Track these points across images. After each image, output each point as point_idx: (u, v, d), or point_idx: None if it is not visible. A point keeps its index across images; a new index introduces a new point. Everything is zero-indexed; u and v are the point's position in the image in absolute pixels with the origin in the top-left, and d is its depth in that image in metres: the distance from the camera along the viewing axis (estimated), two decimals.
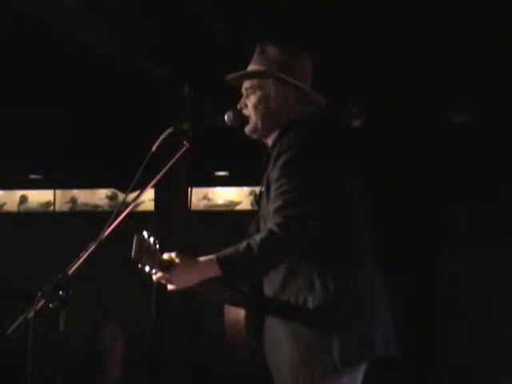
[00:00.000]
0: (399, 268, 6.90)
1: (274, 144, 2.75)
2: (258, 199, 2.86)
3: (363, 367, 2.68)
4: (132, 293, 8.28)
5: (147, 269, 2.52)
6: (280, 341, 2.65)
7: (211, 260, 2.57)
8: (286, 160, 2.63)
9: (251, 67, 2.89)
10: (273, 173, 2.66)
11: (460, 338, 7.38)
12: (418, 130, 7.12)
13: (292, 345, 2.61)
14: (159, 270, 2.57)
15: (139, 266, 2.51)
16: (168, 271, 2.58)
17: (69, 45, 5.57)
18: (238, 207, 10.06)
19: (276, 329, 2.67)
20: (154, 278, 2.61)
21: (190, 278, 2.60)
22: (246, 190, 10.17)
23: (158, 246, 2.55)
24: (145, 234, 2.53)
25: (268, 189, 2.70)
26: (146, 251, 2.51)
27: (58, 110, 7.09)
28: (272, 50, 2.86)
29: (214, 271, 2.56)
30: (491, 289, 7.32)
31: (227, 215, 9.68)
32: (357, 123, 6.87)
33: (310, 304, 2.60)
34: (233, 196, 10.26)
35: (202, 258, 2.59)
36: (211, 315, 2.85)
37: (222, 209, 10.18)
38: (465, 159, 7.32)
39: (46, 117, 7.26)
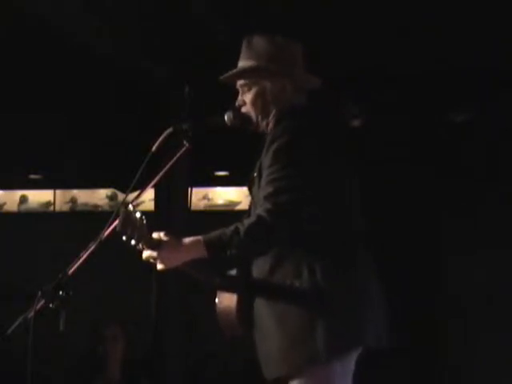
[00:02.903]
0: (399, 268, 6.90)
1: (270, 131, 2.74)
2: (249, 185, 2.84)
3: (354, 355, 2.66)
4: (132, 293, 8.29)
5: (133, 242, 2.54)
6: (267, 328, 2.65)
7: (198, 240, 2.58)
8: (280, 146, 2.61)
9: (241, 63, 2.87)
10: (265, 159, 2.65)
11: (460, 337, 7.37)
12: (418, 130, 7.12)
13: (278, 332, 2.61)
14: (147, 247, 2.57)
15: (124, 238, 2.52)
16: (156, 249, 2.59)
17: (69, 45, 5.57)
18: (238, 207, 10.05)
19: (264, 316, 2.66)
20: (144, 255, 2.62)
21: (177, 258, 2.62)
22: (245, 189, 10.11)
23: (145, 221, 2.55)
24: (131, 207, 2.53)
25: (260, 175, 2.69)
26: (131, 225, 2.52)
27: (57, 109, 7.08)
28: (259, 42, 2.84)
29: (201, 252, 2.57)
30: (491, 289, 7.31)
31: (227, 215, 9.66)
32: (357, 123, 6.86)
33: (297, 292, 2.59)
34: (233, 196, 10.26)
35: (189, 239, 2.61)
36: (210, 313, 2.84)
37: (222, 209, 10.18)
38: (465, 159, 7.32)
39: (45, 117, 7.25)
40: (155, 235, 2.62)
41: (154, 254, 2.61)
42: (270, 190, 2.58)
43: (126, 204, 2.53)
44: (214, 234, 2.59)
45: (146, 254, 2.62)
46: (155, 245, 2.60)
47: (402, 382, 6.98)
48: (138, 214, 2.53)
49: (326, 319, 2.55)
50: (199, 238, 2.59)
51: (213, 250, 2.56)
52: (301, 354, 2.57)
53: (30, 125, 7.41)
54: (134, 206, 2.55)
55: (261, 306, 2.68)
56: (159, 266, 2.64)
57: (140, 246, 2.56)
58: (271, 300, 2.65)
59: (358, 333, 2.60)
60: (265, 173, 2.63)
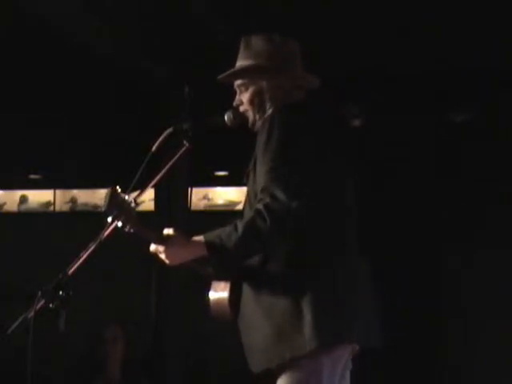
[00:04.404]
0: (399, 268, 6.89)
1: (263, 126, 2.72)
2: (245, 179, 2.83)
3: (343, 354, 2.66)
4: (132, 293, 8.29)
5: (120, 224, 2.55)
6: (253, 319, 2.65)
7: (200, 240, 2.60)
8: (276, 142, 2.60)
9: (239, 63, 2.87)
10: (259, 153, 2.64)
11: (460, 338, 7.36)
12: (418, 130, 7.12)
13: (265, 324, 2.60)
14: (136, 230, 2.58)
15: (109, 219, 2.54)
16: (163, 244, 2.62)
17: (69, 45, 5.57)
18: (238, 207, 10.03)
19: (250, 307, 2.67)
20: (151, 248, 2.66)
21: (181, 256, 2.66)
22: (245, 189, 10.14)
23: (133, 204, 2.56)
24: (118, 189, 2.55)
25: (254, 169, 2.69)
26: (118, 206, 2.54)
27: (58, 109, 7.08)
28: (257, 42, 2.84)
29: (204, 251, 2.59)
30: (491, 289, 7.31)
31: (227, 215, 9.63)
32: (357, 123, 6.86)
33: (286, 284, 2.59)
34: (233, 196, 10.24)
35: (194, 238, 2.64)
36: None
37: (222, 209, 10.16)
38: (465, 159, 7.32)
39: (45, 117, 7.25)
40: (165, 231, 2.65)
41: (161, 248, 2.63)
42: (265, 183, 2.57)
43: (114, 187, 2.55)
44: (214, 232, 2.60)
45: (153, 248, 2.65)
46: (163, 239, 2.62)
47: (402, 382, 6.98)
48: (126, 197, 2.54)
49: (312, 313, 2.54)
50: (201, 237, 2.61)
51: (213, 250, 2.57)
52: (287, 347, 2.57)
53: (30, 125, 7.41)
54: (134, 200, 2.56)
55: (248, 296, 2.68)
56: (165, 261, 2.67)
57: (127, 228, 2.56)
58: (259, 291, 2.65)
59: (344, 329, 2.60)
60: (260, 166, 2.62)
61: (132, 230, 2.58)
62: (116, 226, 2.56)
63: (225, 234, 2.56)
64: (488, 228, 7.37)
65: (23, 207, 10.82)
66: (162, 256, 2.66)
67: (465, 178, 7.37)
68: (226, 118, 2.85)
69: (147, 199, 7.71)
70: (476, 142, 7.17)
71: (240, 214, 2.78)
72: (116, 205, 2.53)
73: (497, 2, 5.26)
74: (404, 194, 7.39)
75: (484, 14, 5.43)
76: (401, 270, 6.96)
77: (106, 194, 2.54)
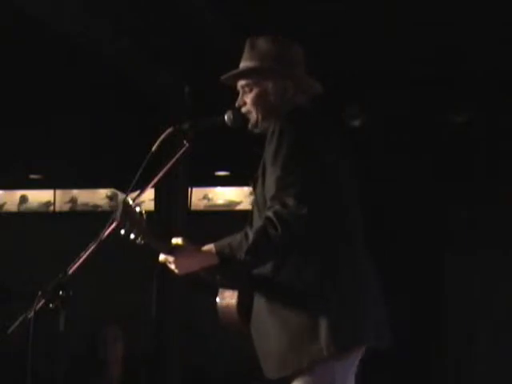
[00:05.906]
0: (399, 268, 6.90)
1: (271, 131, 2.71)
2: (253, 184, 2.82)
3: (356, 359, 2.66)
4: (132, 293, 8.29)
5: (132, 236, 2.55)
6: (268, 326, 2.64)
7: (211, 249, 2.61)
8: (283, 147, 2.60)
9: (244, 64, 2.87)
10: (267, 158, 2.65)
11: (460, 337, 7.37)
12: (418, 130, 7.12)
13: (280, 331, 2.60)
14: (148, 242, 2.58)
15: (122, 232, 2.53)
16: (172, 254, 2.62)
17: (69, 45, 5.57)
18: (238, 207, 10.04)
19: (264, 315, 2.66)
20: (160, 258, 2.66)
21: (191, 266, 2.66)
22: (246, 190, 10.14)
23: (145, 216, 2.56)
24: (130, 201, 2.55)
25: (263, 174, 2.69)
26: (130, 218, 2.54)
27: (57, 110, 7.08)
28: (262, 43, 2.84)
29: (214, 260, 2.60)
30: (491, 289, 7.32)
31: (227, 215, 9.66)
32: (357, 123, 6.86)
33: (299, 291, 2.59)
34: (233, 196, 10.25)
35: (204, 247, 2.63)
36: (210, 316, 2.84)
37: (222, 209, 10.17)
38: (465, 159, 7.32)
39: (46, 117, 7.25)
40: (174, 241, 2.65)
41: (171, 258, 2.63)
42: (276, 192, 2.57)
43: (125, 198, 2.55)
44: (225, 241, 2.60)
45: (162, 258, 2.66)
46: (172, 249, 2.63)
47: (402, 381, 6.98)
48: (137, 209, 2.55)
49: (328, 318, 2.55)
50: (212, 246, 2.62)
51: (225, 260, 2.58)
52: (305, 354, 2.57)
53: (30, 125, 7.41)
54: (133, 200, 2.57)
55: (261, 304, 2.68)
56: (175, 271, 2.67)
57: (139, 240, 2.57)
58: (273, 299, 2.65)
59: (360, 331, 2.61)
60: (269, 173, 2.63)
61: (143, 242, 2.59)
62: (121, 232, 2.55)
63: (235, 242, 2.56)
64: (488, 228, 7.38)
65: (23, 207, 10.82)
66: (172, 266, 2.66)
67: (465, 178, 7.38)
68: (226, 118, 2.85)
69: (147, 199, 7.73)
70: (476, 142, 7.18)
71: (246, 218, 2.78)
72: (129, 217, 2.53)
73: (497, 1, 5.27)
74: (404, 195, 7.39)
75: (484, 14, 5.43)
76: (400, 271, 6.97)
77: (118, 205, 2.53)
